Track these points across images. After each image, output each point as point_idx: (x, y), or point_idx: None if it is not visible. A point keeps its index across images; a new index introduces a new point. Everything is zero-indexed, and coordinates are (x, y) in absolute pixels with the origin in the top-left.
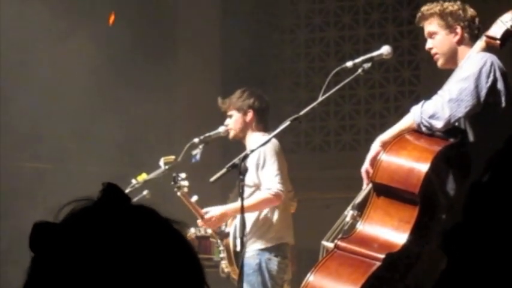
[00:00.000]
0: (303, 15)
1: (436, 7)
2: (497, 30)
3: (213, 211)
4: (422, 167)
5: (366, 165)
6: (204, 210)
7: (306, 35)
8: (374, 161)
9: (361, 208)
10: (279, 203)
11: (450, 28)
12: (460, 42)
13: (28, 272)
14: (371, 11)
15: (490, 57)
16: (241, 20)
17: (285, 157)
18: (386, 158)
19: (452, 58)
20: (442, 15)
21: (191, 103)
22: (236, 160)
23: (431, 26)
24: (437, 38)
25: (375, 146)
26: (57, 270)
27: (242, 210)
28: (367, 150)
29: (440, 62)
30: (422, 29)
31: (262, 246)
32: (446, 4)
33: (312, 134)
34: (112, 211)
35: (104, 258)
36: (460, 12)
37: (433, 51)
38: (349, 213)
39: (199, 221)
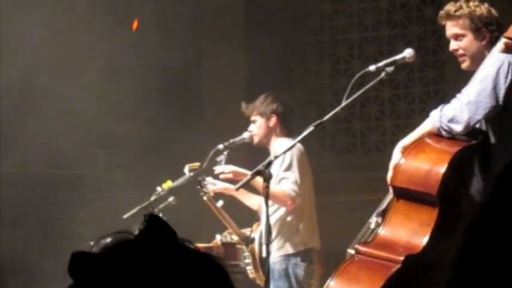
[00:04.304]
0: (326, 16)
1: (465, 8)
2: None
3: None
4: (440, 168)
5: (391, 173)
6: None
7: (329, 36)
8: None
9: (385, 215)
10: (290, 208)
11: (478, 31)
12: (486, 45)
13: None
14: (394, 11)
15: (507, 58)
16: (266, 23)
17: (310, 160)
18: (405, 161)
19: (479, 60)
20: (472, 17)
21: (217, 107)
22: (260, 167)
23: (458, 27)
24: (465, 40)
25: (397, 152)
26: None
27: (267, 216)
28: (393, 151)
29: (466, 64)
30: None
31: (289, 252)
32: (474, 6)
33: (337, 137)
34: (155, 246)
35: None
36: (488, 15)
37: (459, 53)
38: (373, 220)
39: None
